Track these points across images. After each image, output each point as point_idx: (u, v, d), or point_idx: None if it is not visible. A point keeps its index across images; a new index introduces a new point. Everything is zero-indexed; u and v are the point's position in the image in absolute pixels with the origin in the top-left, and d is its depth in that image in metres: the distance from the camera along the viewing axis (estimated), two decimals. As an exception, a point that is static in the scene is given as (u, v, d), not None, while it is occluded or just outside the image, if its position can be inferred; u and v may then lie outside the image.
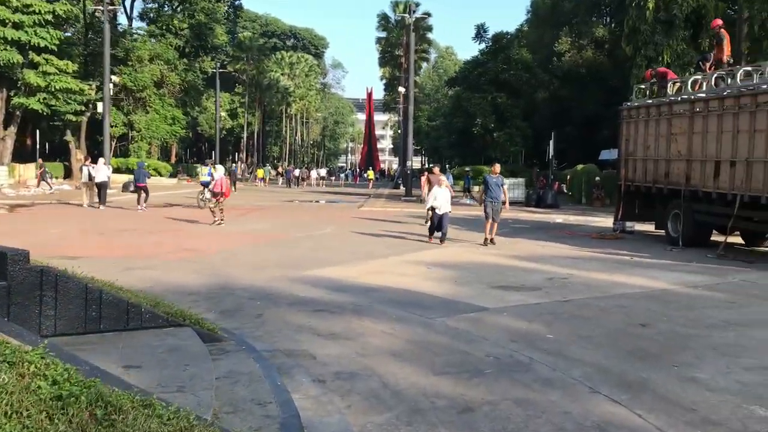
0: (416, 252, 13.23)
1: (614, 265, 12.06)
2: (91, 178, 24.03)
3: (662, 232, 16.39)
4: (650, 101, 16.84)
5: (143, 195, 22.80)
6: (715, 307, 8.36)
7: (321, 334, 6.60)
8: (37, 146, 43.01)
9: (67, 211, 22.39)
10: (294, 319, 7.24)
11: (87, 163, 27.28)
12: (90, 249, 12.70)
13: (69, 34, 46.22)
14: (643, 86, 18.73)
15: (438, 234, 14.87)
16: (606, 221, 21.61)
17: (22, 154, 51.76)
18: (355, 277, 10.09)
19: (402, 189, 47.14)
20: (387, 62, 67.59)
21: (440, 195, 14.73)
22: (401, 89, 36.32)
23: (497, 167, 16.05)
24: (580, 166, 39.24)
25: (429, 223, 15.22)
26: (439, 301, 8.42)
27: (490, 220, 14.82)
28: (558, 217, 23.94)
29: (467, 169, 45.62)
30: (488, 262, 12.10)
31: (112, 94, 49.82)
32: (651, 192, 16.33)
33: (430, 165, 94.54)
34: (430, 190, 16.16)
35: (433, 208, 14.75)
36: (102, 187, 23.65)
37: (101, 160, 25.48)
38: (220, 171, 19.10)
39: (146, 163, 32.39)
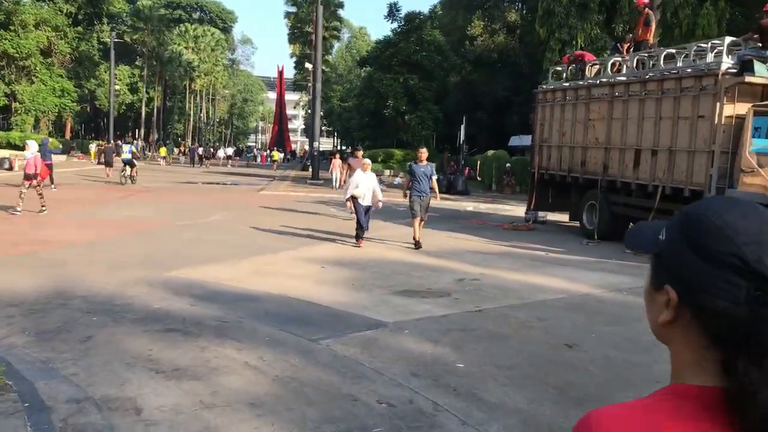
0: (312, 246, 11.65)
1: (529, 262, 10.91)
2: None
3: (577, 223, 15.52)
4: (567, 84, 15.85)
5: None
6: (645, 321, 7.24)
7: (161, 370, 4.94)
8: None
9: None
10: (132, 346, 5.53)
11: None
12: None
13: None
14: (559, 68, 17.79)
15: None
16: (517, 209, 20.74)
17: None
18: (232, 279, 8.42)
19: (310, 171, 45.44)
20: (297, 39, 65.15)
21: (363, 182, 12.18)
22: (309, 65, 34.40)
23: (424, 153, 12.85)
24: (490, 152, 38.69)
25: (355, 219, 12.47)
26: (328, 314, 6.91)
27: (418, 218, 12.07)
28: (469, 205, 22.91)
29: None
30: (392, 258, 10.68)
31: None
32: (566, 181, 15.39)
33: (344, 147, 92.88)
34: (350, 175, 14.20)
35: (354, 198, 12.12)
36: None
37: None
38: (32, 148, 14.96)
39: (50, 140, 29.10)
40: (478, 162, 41.31)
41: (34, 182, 14.56)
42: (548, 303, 7.91)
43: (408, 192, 12.47)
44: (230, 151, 73.82)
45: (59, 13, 51.81)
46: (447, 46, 51.23)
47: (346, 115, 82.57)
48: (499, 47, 55.60)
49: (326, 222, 15.49)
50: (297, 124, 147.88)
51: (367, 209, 12.17)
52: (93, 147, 50.96)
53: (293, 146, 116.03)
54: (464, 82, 56.80)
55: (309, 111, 74.37)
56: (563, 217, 17.03)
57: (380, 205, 12.73)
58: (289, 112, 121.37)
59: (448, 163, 42.11)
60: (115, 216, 14.95)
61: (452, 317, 6.99)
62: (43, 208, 14.54)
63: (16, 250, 9.90)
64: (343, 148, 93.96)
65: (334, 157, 27.12)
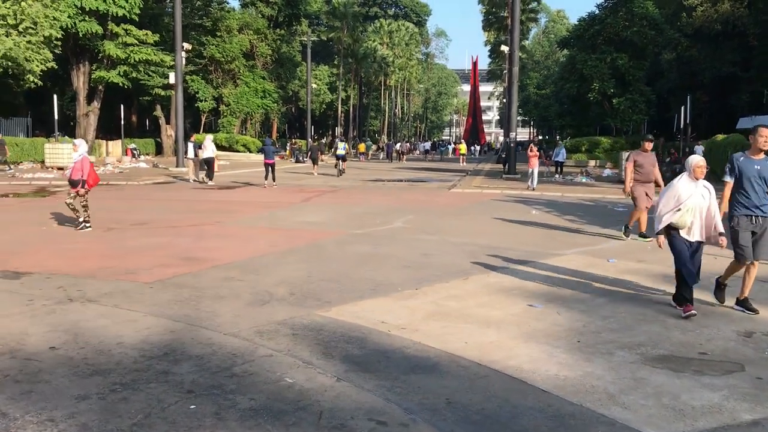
0: (513, 268, 8.91)
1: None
2: (196, 154, 25.34)
3: None
4: None
5: (270, 172, 22.90)
6: None
7: None
8: (122, 122, 41.31)
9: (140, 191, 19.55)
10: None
11: (192, 139, 27.69)
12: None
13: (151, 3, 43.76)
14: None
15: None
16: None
17: (117, 131, 51.00)
18: (404, 326, 5.99)
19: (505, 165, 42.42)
20: (491, 25, 62.11)
21: (691, 198, 6.58)
22: (504, 48, 31.41)
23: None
24: (720, 136, 32.93)
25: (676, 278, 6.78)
26: (546, 412, 4.16)
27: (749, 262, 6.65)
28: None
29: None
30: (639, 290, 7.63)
31: (192, 64, 47.86)
32: None
33: (540, 137, 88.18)
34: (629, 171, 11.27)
35: (672, 229, 6.61)
36: (209, 163, 24.14)
37: (208, 137, 25.72)
38: (81, 148, 12.14)
39: (272, 140, 30.42)
40: (703, 149, 35.63)
41: (81, 190, 11.89)
42: None
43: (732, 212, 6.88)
44: (428, 145, 73.38)
45: (260, 16, 53.49)
46: (661, 19, 45.23)
47: (543, 103, 78.07)
48: (724, 16, 48.27)
49: (526, 233, 12.64)
50: (491, 115, 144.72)
51: (697, 248, 6.65)
52: (288, 146, 52.14)
53: (487, 138, 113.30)
54: (681, 60, 50.19)
55: (504, 101, 70.97)
56: None
57: (724, 242, 6.59)
58: (483, 103, 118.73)
59: (666, 151, 36.92)
60: (287, 223, 13.28)
61: (771, 428, 3.94)
62: (86, 224, 11.86)
63: (154, 274, 8.28)
64: (540, 138, 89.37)
65: (531, 150, 23.47)
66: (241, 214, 14.65)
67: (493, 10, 60.35)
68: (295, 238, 11.33)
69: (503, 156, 47.29)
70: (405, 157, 57.15)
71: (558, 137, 66.10)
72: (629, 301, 7.09)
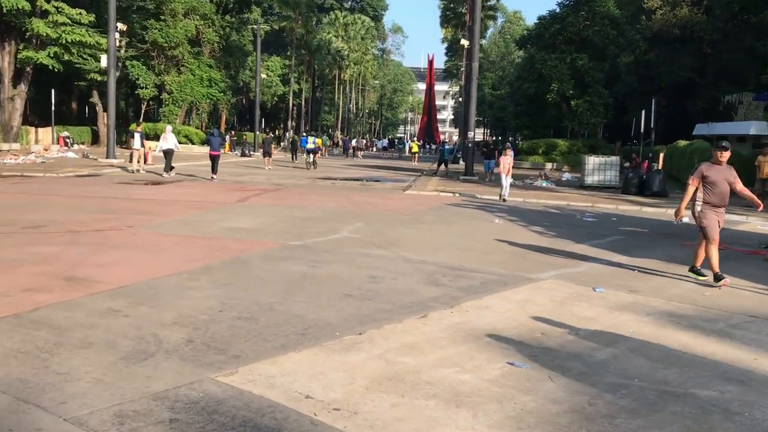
0: (483, 298, 7.16)
1: None
2: (142, 144, 25.10)
3: None
4: None
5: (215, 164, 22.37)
6: None
7: None
8: (53, 107, 38.23)
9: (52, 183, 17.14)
10: None
11: (138, 129, 26.16)
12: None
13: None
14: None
15: None
16: (753, 221, 15.19)
17: (63, 119, 47.75)
18: (335, 402, 4.14)
19: (461, 165, 40.97)
20: (449, 21, 60.73)
21: None
22: (464, 42, 29.83)
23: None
24: (682, 142, 32.11)
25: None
26: None
27: None
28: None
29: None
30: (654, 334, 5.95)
31: (134, 49, 44.98)
32: None
33: (493, 138, 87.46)
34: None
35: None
36: (168, 155, 23.33)
37: (168, 128, 24.87)
38: None
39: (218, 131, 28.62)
40: (661, 155, 34.78)
41: None
42: None
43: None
44: (385, 142, 72.12)
45: (209, 1, 50.77)
46: (623, 19, 44.44)
47: (498, 103, 77.10)
48: (682, 21, 47.95)
49: (491, 248, 10.98)
50: (446, 114, 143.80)
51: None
52: (227, 138, 49.72)
53: (441, 137, 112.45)
54: (639, 63, 49.68)
55: (460, 100, 69.68)
56: None
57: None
58: (438, 102, 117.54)
59: (623, 156, 35.97)
60: (212, 230, 11.27)
61: None
62: None
63: (12, 304, 6.24)
64: (493, 138, 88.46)
65: (505, 153, 19.95)
66: (161, 217, 12.56)
67: (452, 5, 58.92)
68: (217, 250, 9.35)
69: (458, 156, 45.92)
70: (361, 153, 56.24)
71: (511, 139, 65.20)
72: (639, 355, 5.39)
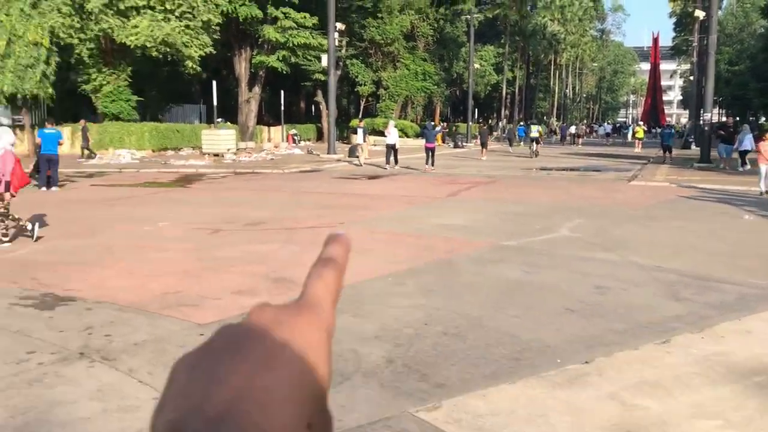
0: (743, 319, 5.83)
1: None
2: (364, 138, 26.31)
3: None
4: None
5: (430, 156, 23.17)
6: None
7: None
8: (282, 107, 41.08)
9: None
10: None
11: (361, 125, 27.81)
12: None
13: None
14: None
15: None
16: None
17: (293, 118, 51.61)
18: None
19: (694, 150, 37.06)
20: (679, -8, 55.27)
21: None
22: (699, 13, 26.63)
23: None
24: None
25: None
26: None
27: None
28: None
29: None
30: None
31: (353, 48, 46.76)
32: None
33: (728, 119, 79.08)
34: None
35: None
36: (391, 149, 23.77)
37: (391, 123, 25.70)
38: (2, 140, 8.84)
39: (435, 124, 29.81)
40: None
41: (6, 195, 8.91)
42: None
43: None
44: (608, 128, 68.02)
45: (423, -6, 51.29)
46: None
47: (736, 80, 69.04)
48: None
49: (745, 252, 9.28)
50: (672, 95, 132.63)
51: None
52: (438, 130, 49.70)
53: (667, 120, 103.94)
54: None
55: (690, 78, 63.46)
56: None
57: None
58: (664, 83, 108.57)
59: None
60: (421, 226, 10.83)
61: None
62: (5, 237, 8.94)
63: (218, 308, 6.20)
64: (731, 119, 79.37)
65: (765, 139, 16.48)
66: (372, 212, 12.44)
67: (682, -25, 53.56)
68: (425, 250, 8.86)
69: (690, 140, 41.65)
70: (581, 140, 53.37)
71: (752, 119, 57.98)
72: None
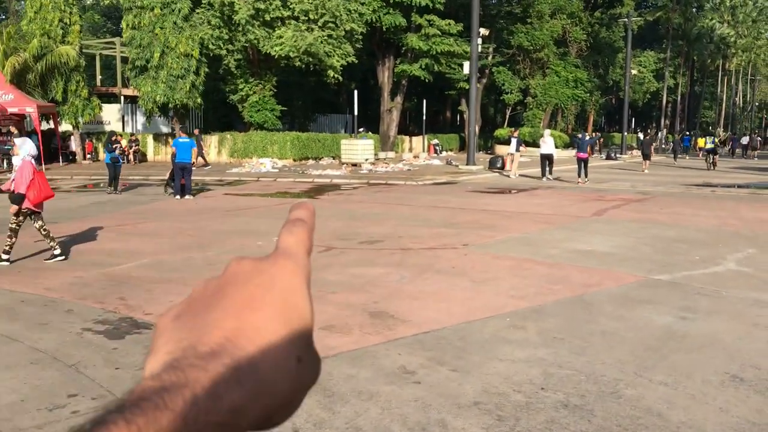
0: None
1: None
2: (518, 149, 25.01)
3: None
4: None
5: (583, 168, 22.00)
6: None
7: None
8: (424, 116, 40.49)
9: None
10: None
11: (515, 134, 26.88)
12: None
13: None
14: None
15: None
16: None
17: (438, 127, 51.30)
18: None
19: None
20: None
21: None
22: None
23: None
24: None
25: None
26: None
27: None
28: None
29: None
30: None
31: (500, 54, 45.26)
32: None
33: None
34: None
35: None
36: (547, 159, 22.94)
37: (547, 132, 25.26)
38: (22, 150, 8.25)
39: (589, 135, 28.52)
40: None
41: (13, 208, 8.20)
42: None
43: None
44: None
45: (576, -1, 48.81)
46: None
47: None
48: None
49: None
50: None
51: None
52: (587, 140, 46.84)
53: None
54: None
55: None
56: None
57: None
58: None
59: None
60: (555, 252, 9.45)
61: None
62: (55, 255, 8.45)
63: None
64: None
65: None
66: (502, 233, 11.20)
67: None
68: (556, 282, 7.55)
69: None
70: (756, 153, 48.23)
71: None
72: None
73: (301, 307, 0.40)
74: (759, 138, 57.43)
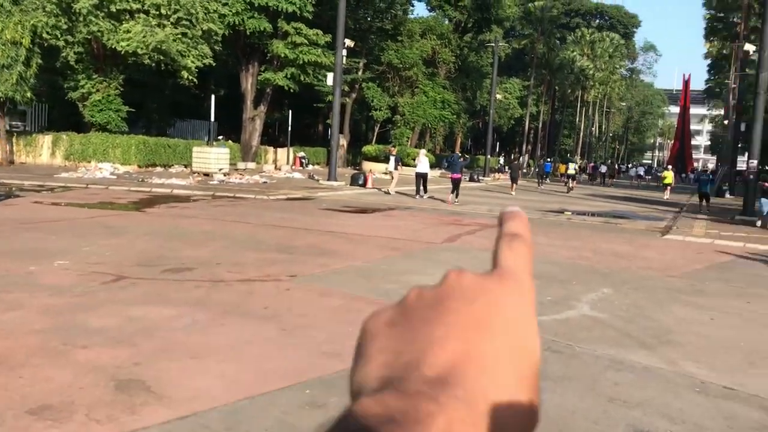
0: None
1: None
2: (396, 167, 25.07)
3: None
4: None
5: (456, 188, 22.24)
6: None
7: None
8: (289, 128, 38.79)
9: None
10: None
11: (393, 152, 26.70)
12: None
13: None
14: None
15: None
16: None
17: (310, 140, 49.52)
18: None
19: (729, 199, 34.30)
20: (716, 33, 52.63)
21: None
22: (749, 47, 23.97)
23: None
24: None
25: None
26: None
27: None
28: None
29: None
30: None
31: (370, 71, 44.59)
32: None
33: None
34: None
35: None
36: (422, 178, 23.13)
37: (422, 151, 25.29)
38: None
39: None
40: None
41: None
42: None
43: None
44: (641, 170, 65.55)
45: (447, 20, 49.16)
46: None
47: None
48: None
49: None
50: (700, 140, 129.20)
51: None
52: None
53: (695, 165, 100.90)
54: None
55: (725, 123, 60.38)
56: None
57: None
58: (693, 127, 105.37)
59: None
60: (391, 288, 8.12)
61: None
62: None
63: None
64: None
65: None
66: (340, 260, 9.78)
67: (721, 14, 50.92)
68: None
69: (724, 188, 38.78)
70: (612, 180, 51.11)
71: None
72: None
73: (532, 341, 0.35)
74: (615, 166, 60.82)
